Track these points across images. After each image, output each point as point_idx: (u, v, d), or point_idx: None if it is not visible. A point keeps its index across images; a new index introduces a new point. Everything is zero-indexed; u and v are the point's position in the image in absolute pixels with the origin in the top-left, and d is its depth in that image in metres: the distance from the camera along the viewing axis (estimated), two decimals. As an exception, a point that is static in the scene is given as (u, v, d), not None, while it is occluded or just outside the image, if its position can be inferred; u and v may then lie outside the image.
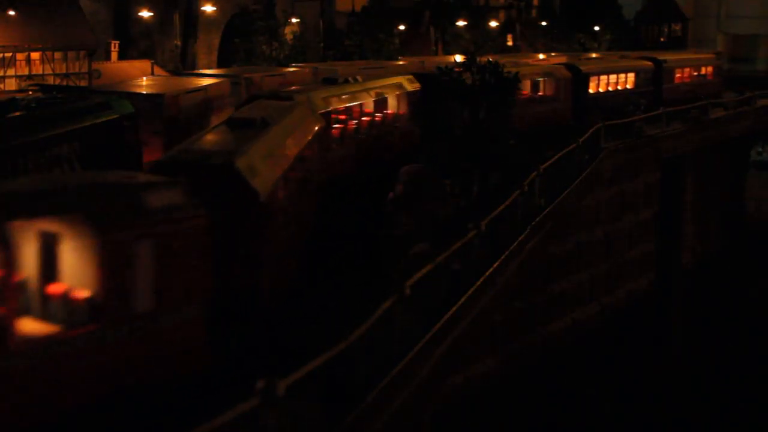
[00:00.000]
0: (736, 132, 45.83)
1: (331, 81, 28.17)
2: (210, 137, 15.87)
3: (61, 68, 46.19)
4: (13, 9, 44.45)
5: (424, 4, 70.85)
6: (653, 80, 45.49)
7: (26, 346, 9.63)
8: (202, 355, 11.54)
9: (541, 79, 37.33)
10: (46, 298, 10.29)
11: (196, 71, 41.71)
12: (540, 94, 37.23)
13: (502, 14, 77.24)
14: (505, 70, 25.27)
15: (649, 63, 46.04)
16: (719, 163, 47.75)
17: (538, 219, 22.40)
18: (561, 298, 32.49)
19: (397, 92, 28.28)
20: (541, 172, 23.11)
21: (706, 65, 51.93)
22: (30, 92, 26.20)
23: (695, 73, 50.14)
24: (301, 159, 17.34)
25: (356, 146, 24.85)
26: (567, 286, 32.94)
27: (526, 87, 35.42)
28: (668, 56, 49.21)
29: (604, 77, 41.96)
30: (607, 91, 42.01)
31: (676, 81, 47.67)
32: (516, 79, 25.79)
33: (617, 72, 43.61)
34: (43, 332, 9.93)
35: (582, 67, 40.89)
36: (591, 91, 40.59)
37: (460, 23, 67.72)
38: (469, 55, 26.13)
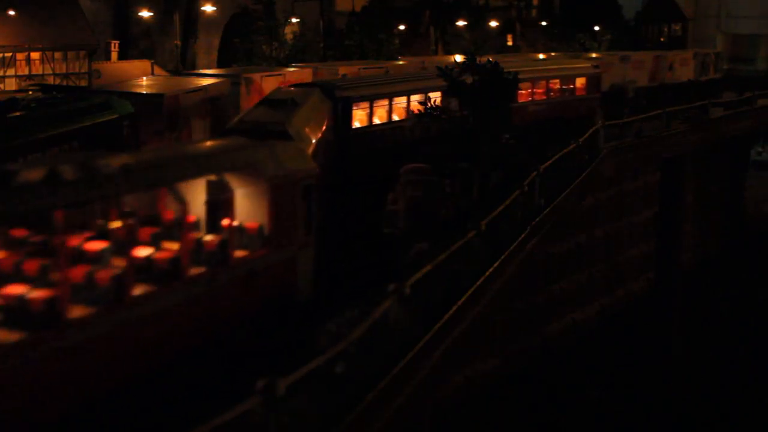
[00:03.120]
0: (736, 132, 45.78)
1: None
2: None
3: (61, 68, 46.20)
4: (13, 9, 44.47)
5: (424, 4, 70.80)
6: None
7: None
8: None
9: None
10: None
11: (196, 71, 41.67)
12: None
13: (501, 14, 77.21)
14: None
15: None
16: (719, 163, 47.77)
17: (538, 219, 22.40)
18: (561, 298, 32.51)
19: None
20: (541, 172, 23.12)
21: (577, 76, 37.85)
22: (30, 92, 26.15)
23: (557, 87, 36.68)
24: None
25: None
26: (567, 286, 32.97)
27: None
28: (517, 63, 35.75)
29: (382, 102, 27.15)
30: (390, 123, 27.44)
31: (521, 99, 33.10)
32: (516, 80, 25.72)
33: (406, 93, 28.11)
34: None
35: (340, 91, 25.76)
36: (358, 124, 26.15)
37: (460, 23, 67.73)
38: (469, 55, 26.07)
